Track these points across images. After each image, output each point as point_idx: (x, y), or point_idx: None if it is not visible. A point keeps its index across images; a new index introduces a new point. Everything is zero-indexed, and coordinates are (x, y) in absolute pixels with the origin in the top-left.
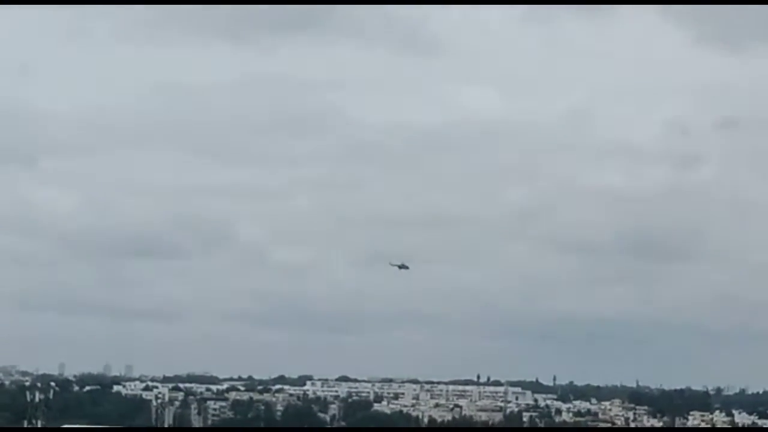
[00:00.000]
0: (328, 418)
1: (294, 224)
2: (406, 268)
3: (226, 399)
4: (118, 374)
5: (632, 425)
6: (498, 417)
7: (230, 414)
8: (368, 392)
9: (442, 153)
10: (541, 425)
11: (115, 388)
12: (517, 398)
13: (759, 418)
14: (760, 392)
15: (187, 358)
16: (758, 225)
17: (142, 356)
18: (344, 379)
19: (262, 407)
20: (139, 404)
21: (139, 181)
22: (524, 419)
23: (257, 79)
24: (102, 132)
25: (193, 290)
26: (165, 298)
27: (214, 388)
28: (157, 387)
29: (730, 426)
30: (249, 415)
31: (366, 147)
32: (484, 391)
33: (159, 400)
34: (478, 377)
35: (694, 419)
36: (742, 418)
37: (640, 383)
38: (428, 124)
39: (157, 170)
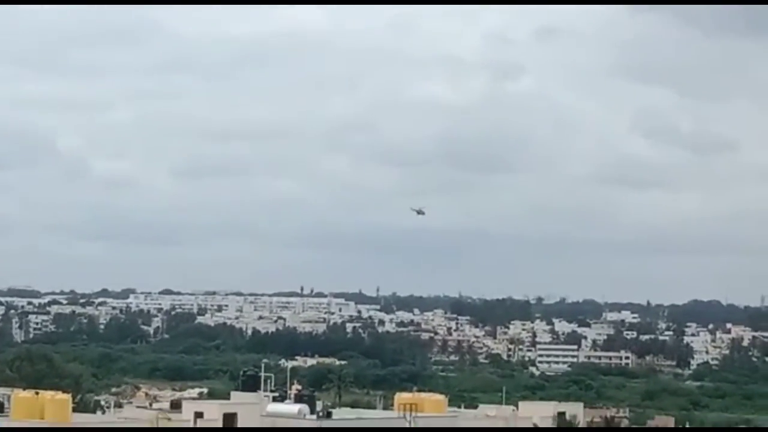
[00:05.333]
0: (151, 331)
1: (115, 136)
2: (423, 213)
3: (48, 312)
4: None
5: (454, 335)
6: (322, 328)
7: (52, 327)
8: (192, 305)
9: (262, 65)
10: (364, 336)
11: None
12: (340, 309)
13: (579, 326)
14: (580, 301)
15: (8, 272)
16: (577, 135)
17: None
18: (168, 292)
19: (85, 320)
20: None
21: None
22: (348, 330)
23: None
24: None
25: (13, 203)
26: None
27: (35, 301)
28: None
29: (549, 331)
30: (72, 328)
31: (186, 59)
32: (308, 303)
33: None
34: (302, 289)
35: (516, 328)
36: (562, 327)
37: (462, 293)
38: (249, 35)
39: None
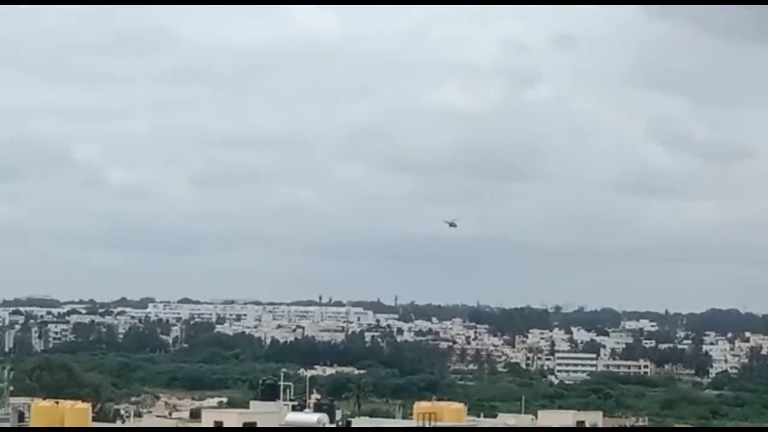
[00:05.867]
0: (170, 340)
1: (132, 145)
2: (455, 226)
3: (67, 322)
4: None
5: (473, 344)
6: (340, 337)
7: (72, 337)
8: (210, 314)
9: (278, 72)
10: (383, 344)
11: None
12: (359, 318)
13: (597, 335)
14: (598, 309)
15: (27, 282)
16: (594, 143)
17: None
18: (186, 301)
19: (104, 330)
20: None
21: None
22: (366, 339)
23: None
24: None
25: (31, 213)
26: (2, 221)
27: (54, 311)
28: None
29: (568, 340)
30: (91, 338)
31: (202, 68)
32: (326, 312)
33: None
34: (320, 298)
35: (534, 337)
36: (580, 335)
37: (481, 302)
38: (264, 44)
39: None
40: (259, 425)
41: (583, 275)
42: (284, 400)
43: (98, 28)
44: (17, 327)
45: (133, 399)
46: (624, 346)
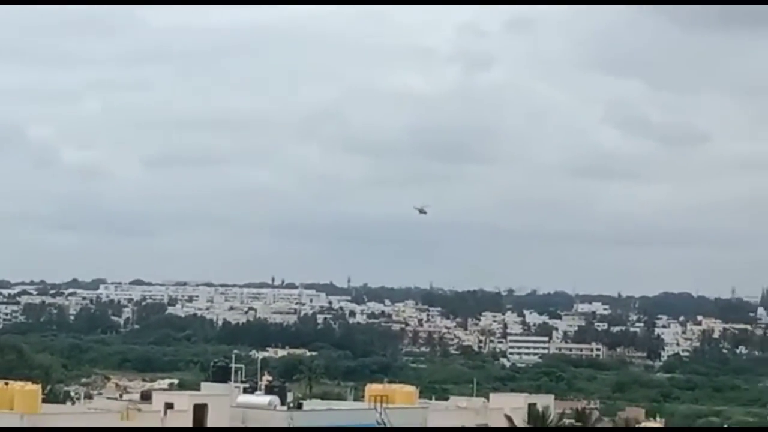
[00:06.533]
0: (122, 321)
1: (85, 125)
2: (425, 213)
3: (17, 303)
4: None
5: (425, 326)
6: (292, 319)
7: (22, 318)
8: (162, 295)
9: (233, 55)
10: (335, 327)
11: None
12: (311, 300)
13: (549, 318)
14: (551, 292)
15: None
16: (549, 126)
17: None
18: (138, 282)
19: (55, 311)
20: None
21: None
22: (318, 321)
23: None
24: None
25: None
26: None
27: (5, 291)
28: None
29: (520, 323)
30: (41, 319)
31: (158, 49)
32: (279, 294)
33: None
34: (273, 280)
35: (486, 320)
36: (533, 318)
37: (433, 285)
38: (221, 26)
39: None
40: (210, 407)
41: (537, 258)
42: (236, 382)
43: (56, 8)
44: None
45: (83, 380)
46: (576, 329)
